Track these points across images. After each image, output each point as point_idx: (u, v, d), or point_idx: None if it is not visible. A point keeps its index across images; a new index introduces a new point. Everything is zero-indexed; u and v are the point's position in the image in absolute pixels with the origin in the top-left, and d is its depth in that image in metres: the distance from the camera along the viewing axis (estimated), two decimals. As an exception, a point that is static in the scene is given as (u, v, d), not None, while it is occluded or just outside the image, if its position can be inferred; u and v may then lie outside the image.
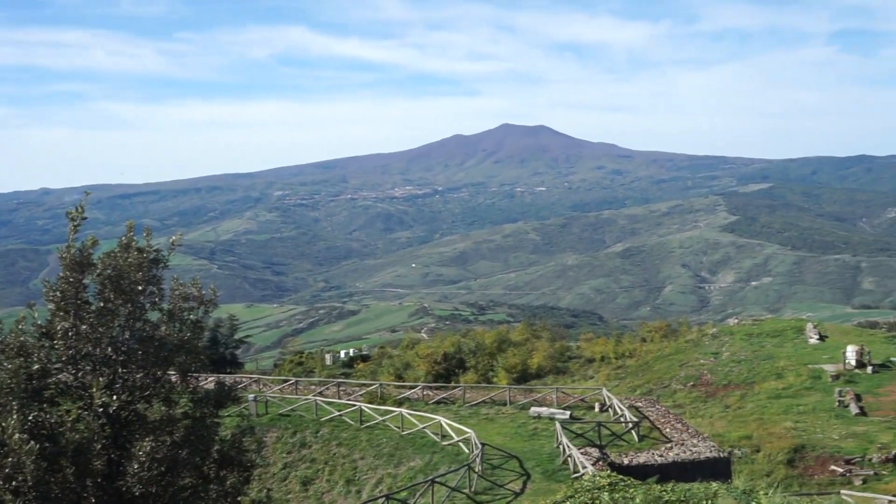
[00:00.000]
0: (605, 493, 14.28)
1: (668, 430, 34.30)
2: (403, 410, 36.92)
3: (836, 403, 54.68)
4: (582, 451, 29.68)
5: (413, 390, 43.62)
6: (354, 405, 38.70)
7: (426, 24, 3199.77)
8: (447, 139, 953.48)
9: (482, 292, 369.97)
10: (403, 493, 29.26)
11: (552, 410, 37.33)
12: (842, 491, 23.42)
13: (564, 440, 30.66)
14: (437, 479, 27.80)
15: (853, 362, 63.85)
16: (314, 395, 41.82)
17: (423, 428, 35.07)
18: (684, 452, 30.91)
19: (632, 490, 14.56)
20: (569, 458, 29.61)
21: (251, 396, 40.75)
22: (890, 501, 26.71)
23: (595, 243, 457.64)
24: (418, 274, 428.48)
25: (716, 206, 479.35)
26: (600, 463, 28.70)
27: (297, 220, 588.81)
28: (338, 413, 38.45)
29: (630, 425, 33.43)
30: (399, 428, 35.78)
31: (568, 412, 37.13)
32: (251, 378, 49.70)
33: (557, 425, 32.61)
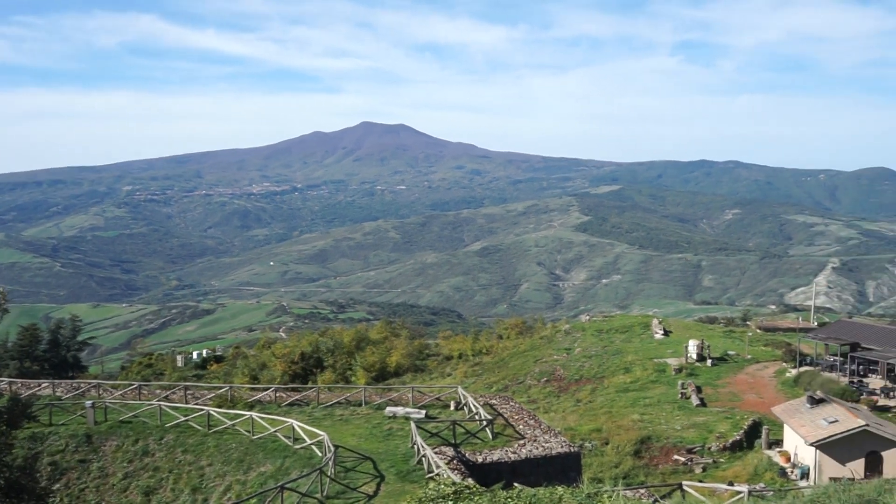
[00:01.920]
0: (450, 503, 13.94)
1: (521, 426, 34.65)
2: (254, 414, 35.62)
3: (679, 395, 57.26)
4: (436, 450, 29.48)
5: (265, 392, 42.23)
6: (202, 409, 36.99)
7: (286, 18, 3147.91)
8: (307, 136, 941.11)
9: (342, 290, 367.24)
10: (252, 501, 28.13)
11: (408, 410, 37.03)
12: (683, 482, 24.20)
13: (419, 440, 30.38)
14: (287, 485, 26.86)
15: (694, 356, 67.19)
16: (159, 400, 39.70)
17: (275, 431, 33.94)
18: (537, 448, 31.28)
19: (477, 497, 14.30)
20: (423, 458, 29.35)
21: (88, 403, 38.26)
22: (727, 489, 27.91)
23: (454, 242, 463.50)
24: (276, 272, 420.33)
25: (569, 206, 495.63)
26: (454, 462, 28.58)
27: (149, 217, 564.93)
28: (184, 418, 36.63)
29: (484, 423, 33.56)
30: (249, 432, 34.49)
31: (423, 411, 36.93)
32: (90, 383, 46.72)
33: (412, 425, 32.30)
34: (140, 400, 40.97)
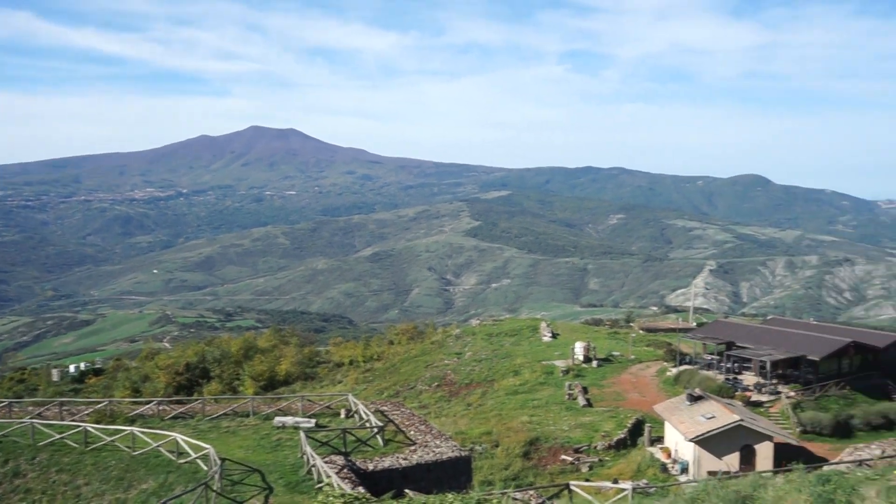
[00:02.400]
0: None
1: (412, 432, 34.59)
2: (135, 429, 34.18)
3: (567, 396, 58.55)
4: (327, 459, 29.06)
5: (148, 406, 40.66)
6: (79, 426, 35.26)
7: (171, 18, 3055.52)
8: (193, 140, 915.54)
9: (230, 298, 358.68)
10: (133, 519, 27.02)
11: (297, 419, 36.37)
12: (570, 482, 24.68)
13: (308, 449, 29.87)
14: (170, 502, 25.91)
15: (581, 357, 68.87)
16: (31, 418, 37.64)
17: (158, 446, 32.66)
18: (428, 454, 31.29)
19: (365, 508, 14.12)
20: (313, 468, 28.87)
21: (-49, 423, 35.90)
22: (612, 487, 28.64)
23: (345, 247, 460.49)
24: (160, 280, 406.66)
25: (460, 211, 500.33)
26: (345, 471, 28.23)
27: (22, 223, 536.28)
28: (59, 436, 34.79)
29: (375, 430, 33.33)
30: (130, 448, 33.08)
31: (313, 420, 36.37)
32: (-46, 402, 43.84)
33: (302, 434, 31.74)
34: (10, 419, 38.75)
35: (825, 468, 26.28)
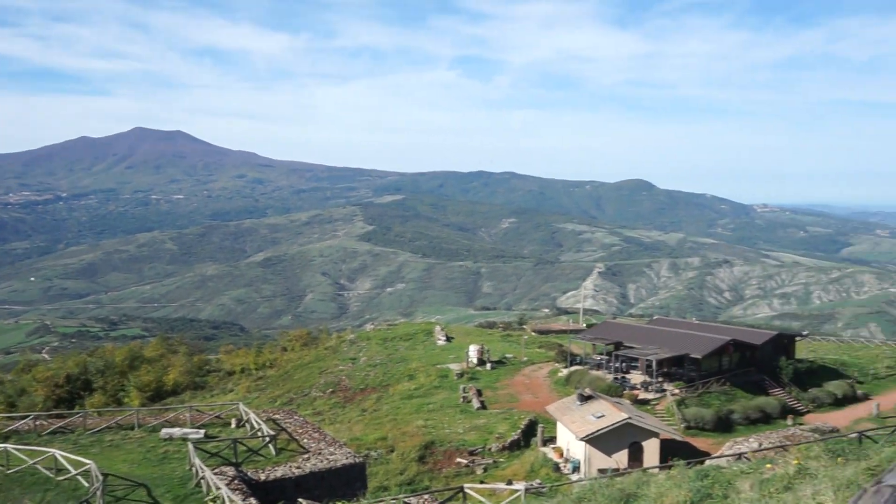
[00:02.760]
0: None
1: (305, 440, 34.01)
2: (9, 445, 32.35)
3: (461, 399, 58.91)
4: (216, 471, 28.21)
5: (24, 421, 38.58)
6: (-54, 445, 33.14)
7: (48, 14, 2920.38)
8: (72, 141, 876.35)
9: (114, 306, 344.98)
10: (7, 542, 25.51)
11: (185, 431, 35.21)
12: (464, 485, 24.75)
13: (197, 461, 28.94)
14: (49, 521, 24.63)
15: (475, 360, 69.46)
16: None
17: (34, 463, 30.98)
18: (322, 462, 30.81)
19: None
20: (202, 481, 27.98)
21: None
22: (506, 488, 28.93)
23: (236, 253, 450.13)
24: (38, 288, 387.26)
25: (353, 216, 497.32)
26: (236, 482, 27.48)
27: None
28: (-77, 456, 32.63)
29: (267, 439, 32.60)
30: (4, 466, 31.29)
31: (202, 431, 35.28)
32: None
33: (190, 446, 30.73)
34: None
35: (707, 462, 27.28)
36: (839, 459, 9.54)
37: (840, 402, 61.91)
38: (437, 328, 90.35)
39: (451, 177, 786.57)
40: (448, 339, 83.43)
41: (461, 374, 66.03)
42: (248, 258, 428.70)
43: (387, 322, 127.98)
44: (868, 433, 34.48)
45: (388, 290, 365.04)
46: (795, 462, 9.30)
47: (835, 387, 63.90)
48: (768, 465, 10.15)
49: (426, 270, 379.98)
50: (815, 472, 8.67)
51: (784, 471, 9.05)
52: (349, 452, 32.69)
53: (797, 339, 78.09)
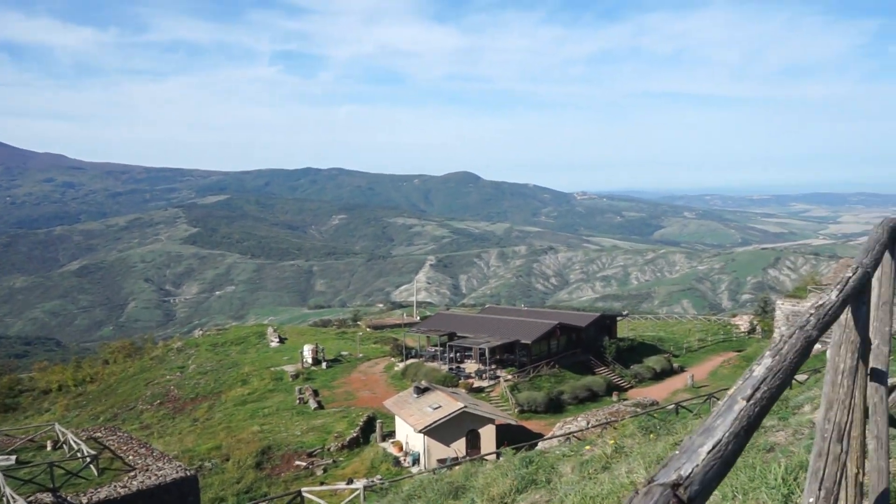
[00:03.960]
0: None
1: (131, 456, 32.30)
2: None
3: (297, 401, 58.04)
4: (31, 499, 26.28)
5: None
6: None
7: None
8: None
9: None
10: None
11: (-5, 458, 32.58)
12: (302, 489, 24.36)
13: (8, 491, 26.82)
14: None
15: (310, 360, 68.61)
16: None
17: None
18: (150, 478, 29.36)
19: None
20: (17, 511, 25.99)
21: None
22: (346, 487, 28.75)
23: (47, 262, 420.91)
24: None
25: (176, 218, 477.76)
26: (55, 508, 25.69)
27: None
28: None
29: (88, 460, 30.70)
30: None
31: (14, 457, 32.75)
32: None
33: None
34: None
35: (540, 444, 28.25)
36: (651, 436, 10.09)
37: (659, 376, 65.96)
38: (270, 330, 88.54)
39: (278, 174, 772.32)
40: (281, 340, 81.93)
41: (296, 375, 65.05)
42: (61, 267, 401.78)
43: (217, 327, 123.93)
44: (683, 404, 36.96)
45: (217, 293, 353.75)
46: (612, 442, 9.74)
47: (654, 362, 68.02)
48: (587, 447, 10.59)
49: (256, 271, 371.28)
50: (630, 451, 9.13)
51: (602, 451, 9.46)
52: (180, 466, 31.36)
53: (618, 318, 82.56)
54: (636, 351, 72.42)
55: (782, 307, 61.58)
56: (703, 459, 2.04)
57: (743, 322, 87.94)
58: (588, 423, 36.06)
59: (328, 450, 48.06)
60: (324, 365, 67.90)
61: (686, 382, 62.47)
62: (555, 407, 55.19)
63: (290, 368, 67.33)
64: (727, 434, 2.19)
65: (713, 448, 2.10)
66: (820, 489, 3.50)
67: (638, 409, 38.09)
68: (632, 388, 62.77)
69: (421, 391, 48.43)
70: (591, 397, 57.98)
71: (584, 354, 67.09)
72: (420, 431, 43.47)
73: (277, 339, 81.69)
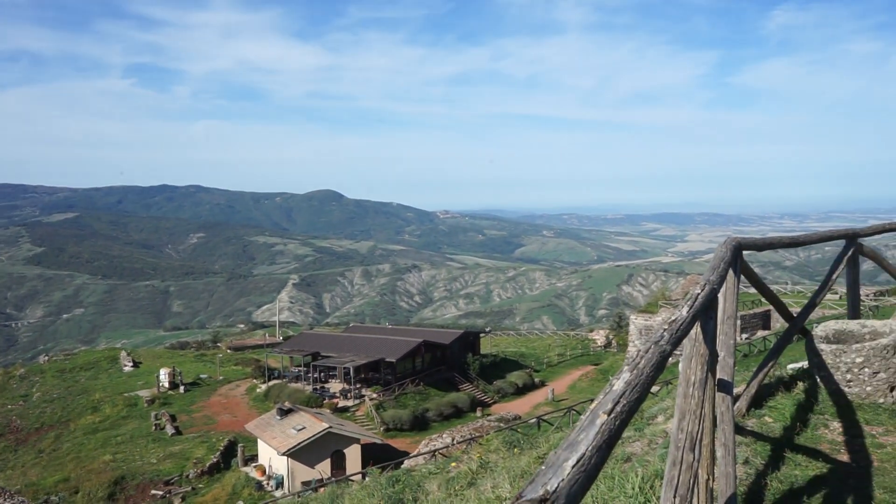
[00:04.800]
0: None
1: (-32, 494, 30.04)
2: None
3: (154, 427, 55.60)
4: None
5: None
6: None
7: None
8: None
9: None
10: None
11: None
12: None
13: None
14: None
15: (167, 384, 65.95)
16: None
17: None
18: (-11, 516, 27.41)
19: None
20: None
21: None
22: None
23: None
24: None
25: (18, 237, 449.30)
26: None
27: None
28: None
29: (-81, 499, 28.35)
30: None
31: None
32: None
33: None
34: None
35: (406, 462, 28.27)
36: (515, 450, 10.30)
37: (521, 391, 67.42)
38: (123, 354, 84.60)
39: (132, 191, 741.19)
40: (136, 364, 78.42)
41: (152, 401, 62.38)
42: None
43: (64, 352, 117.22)
44: (545, 417, 37.93)
45: (65, 316, 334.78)
46: (477, 457, 9.88)
47: (516, 377, 69.49)
48: (453, 464, 10.68)
49: (108, 293, 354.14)
50: (495, 465, 9.29)
51: (467, 467, 9.58)
52: (23, 501, 29.41)
53: (481, 335, 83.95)
54: (499, 367, 73.77)
55: (635, 322, 64.32)
56: (569, 474, 2.11)
57: (599, 337, 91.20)
58: (453, 440, 36.36)
59: (187, 477, 46.27)
60: (181, 389, 65.43)
61: (547, 396, 64.12)
62: (420, 424, 55.38)
63: (145, 393, 64.51)
64: (590, 448, 2.27)
65: (577, 462, 2.17)
66: (675, 496, 3.66)
67: (501, 424, 38.75)
68: (495, 403, 63.83)
69: (284, 413, 47.47)
70: (456, 413, 58.56)
71: (448, 371, 67.74)
72: (284, 454, 42.57)
73: (131, 364, 78.13)
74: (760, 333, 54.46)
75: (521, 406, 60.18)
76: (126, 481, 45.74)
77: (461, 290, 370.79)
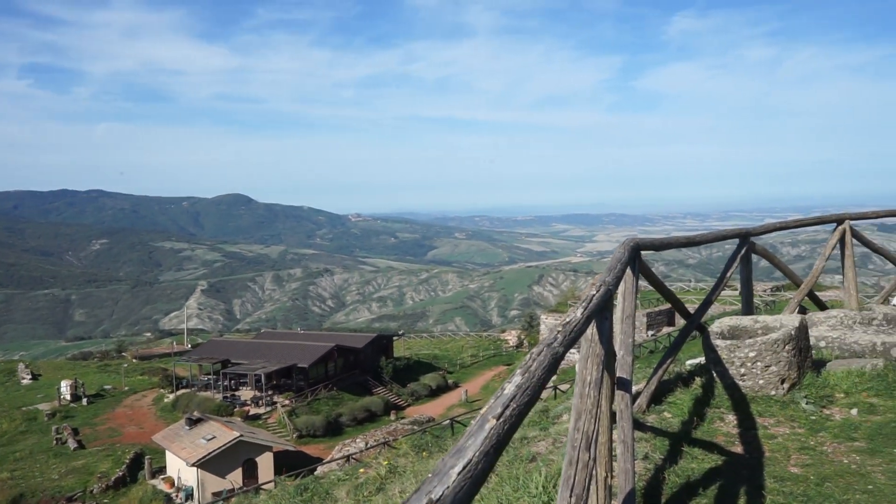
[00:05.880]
0: None
1: None
2: None
3: (55, 442, 53.46)
4: None
5: None
6: None
7: None
8: None
9: None
10: None
11: None
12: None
13: None
14: None
15: (68, 397, 63.50)
16: None
17: None
18: None
19: None
20: None
21: None
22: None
23: None
24: None
25: None
26: None
27: None
28: None
29: None
30: None
31: None
32: None
33: None
34: None
35: (318, 470, 27.98)
36: (424, 453, 10.31)
37: (435, 393, 67.62)
38: (21, 366, 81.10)
39: (29, 196, 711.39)
40: (35, 376, 75.25)
41: (53, 414, 59.96)
42: None
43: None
44: (458, 419, 38.11)
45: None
46: (385, 462, 9.86)
47: (430, 379, 69.65)
48: (361, 470, 10.63)
49: (4, 302, 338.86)
50: (404, 470, 9.28)
51: (376, 472, 9.55)
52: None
53: (395, 338, 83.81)
54: (413, 369, 73.83)
55: (546, 321, 65.39)
56: (454, 481, 2.11)
57: (511, 337, 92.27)
58: (367, 444, 36.22)
59: (91, 492, 44.65)
60: (84, 401, 63.12)
61: (461, 398, 64.51)
62: (334, 430, 54.93)
63: (45, 407, 61.95)
64: (477, 453, 2.28)
65: (464, 469, 2.18)
66: (571, 495, 3.73)
67: (415, 427, 38.80)
68: (409, 406, 63.86)
69: (193, 422, 46.36)
70: (370, 418, 58.33)
71: (362, 375, 67.43)
72: (193, 465, 41.58)
73: (30, 376, 74.94)
74: (666, 330, 56.07)
75: (435, 408, 60.37)
76: (25, 499, 43.84)
77: (374, 294, 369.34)
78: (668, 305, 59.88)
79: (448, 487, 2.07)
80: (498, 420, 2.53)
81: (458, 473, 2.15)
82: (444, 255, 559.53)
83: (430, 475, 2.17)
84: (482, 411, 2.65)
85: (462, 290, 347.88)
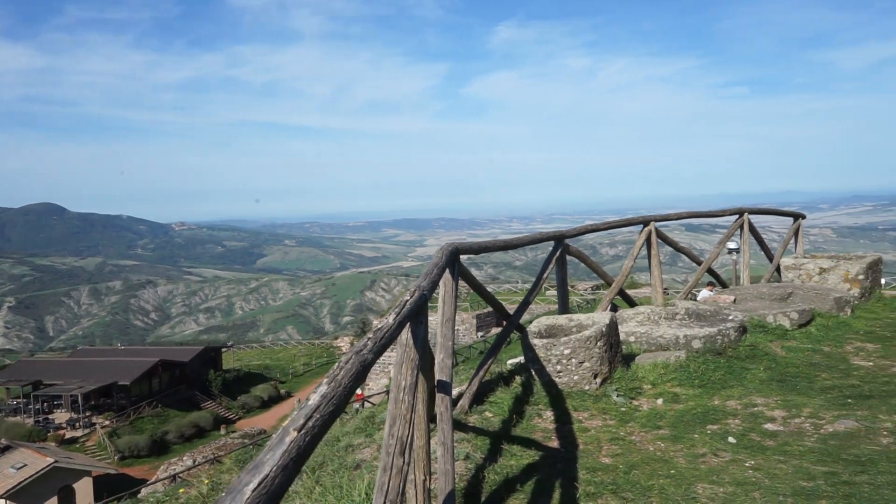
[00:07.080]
0: None
1: None
2: None
3: None
4: None
5: None
6: None
7: None
8: None
9: None
10: None
11: None
12: None
13: None
14: None
15: None
16: None
17: None
18: None
19: None
20: None
21: None
22: None
23: None
24: None
25: None
26: None
27: None
28: None
29: None
30: None
31: None
32: None
33: None
34: None
35: (142, 492, 26.70)
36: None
37: (267, 404, 66.18)
38: None
39: None
40: None
41: None
42: None
43: None
44: (290, 429, 37.47)
45: None
46: (207, 481, 9.54)
47: (261, 390, 68.10)
48: (182, 490, 10.23)
49: None
50: (227, 487, 8.99)
51: (198, 491, 9.21)
52: None
53: (224, 350, 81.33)
54: (243, 381, 71.97)
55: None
56: (248, 498, 2.06)
57: (344, 343, 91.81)
58: (194, 462, 34.93)
59: None
60: None
61: (294, 407, 63.44)
62: (160, 449, 52.62)
63: None
64: (275, 468, 2.24)
65: (259, 485, 2.14)
66: (385, 501, 3.75)
67: (246, 441, 37.79)
68: (240, 419, 62.22)
69: (1, 451, 42.99)
70: (199, 433, 56.32)
71: (189, 390, 65.00)
72: (2, 497, 38.56)
73: None
74: (495, 331, 57.63)
75: (267, 420, 59.10)
76: None
77: (201, 305, 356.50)
78: (495, 306, 61.69)
79: (241, 506, 2.02)
80: (299, 432, 2.50)
81: (254, 490, 2.11)
82: (274, 263, 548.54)
83: (223, 494, 2.12)
84: (284, 423, 2.62)
85: (293, 297, 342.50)
